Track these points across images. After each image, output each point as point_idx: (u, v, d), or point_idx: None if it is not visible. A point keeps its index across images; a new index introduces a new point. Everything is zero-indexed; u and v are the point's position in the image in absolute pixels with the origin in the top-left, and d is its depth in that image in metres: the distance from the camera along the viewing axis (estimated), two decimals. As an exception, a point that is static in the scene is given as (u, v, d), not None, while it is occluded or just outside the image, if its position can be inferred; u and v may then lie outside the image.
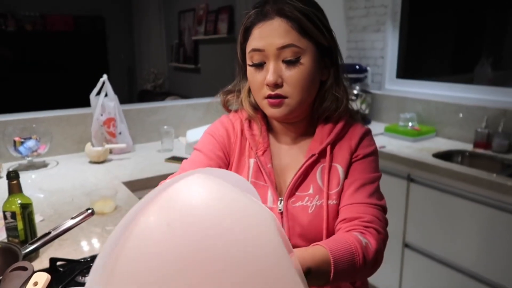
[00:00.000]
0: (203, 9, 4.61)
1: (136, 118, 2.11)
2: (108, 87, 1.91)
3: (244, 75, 0.87)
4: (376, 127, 2.40)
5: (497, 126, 2.02)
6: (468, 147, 2.09)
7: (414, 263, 1.94)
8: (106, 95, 1.92)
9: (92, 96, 1.91)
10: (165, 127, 1.99)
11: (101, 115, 1.89)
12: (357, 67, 2.59)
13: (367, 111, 2.58)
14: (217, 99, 0.94)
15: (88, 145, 1.81)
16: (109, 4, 5.99)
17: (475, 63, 2.41)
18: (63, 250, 1.03)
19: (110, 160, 1.83)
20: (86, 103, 1.95)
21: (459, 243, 1.73)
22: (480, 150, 2.04)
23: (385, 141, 2.18)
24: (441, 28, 2.65)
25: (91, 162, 1.80)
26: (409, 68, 2.65)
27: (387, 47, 2.61)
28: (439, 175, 1.77)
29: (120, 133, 1.93)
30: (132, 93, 6.20)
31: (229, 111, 0.93)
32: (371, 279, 2.13)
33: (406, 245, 1.96)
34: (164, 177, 1.70)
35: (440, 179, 1.78)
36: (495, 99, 2.09)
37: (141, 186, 1.59)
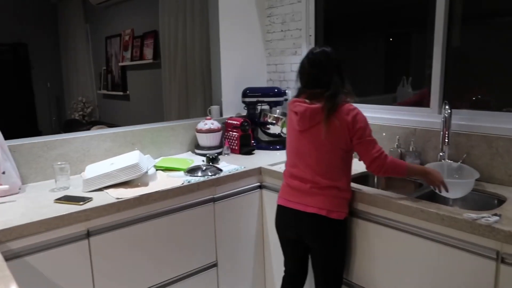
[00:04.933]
0: (129, 34, 4.45)
1: (28, 154, 1.89)
2: (-12, 122, 1.69)
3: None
4: (296, 151, 2.33)
5: (409, 145, 2.03)
6: (384, 167, 2.07)
7: None
8: (-14, 130, 1.69)
9: (-31, 132, 1.68)
10: (59, 162, 1.79)
11: (-21, 153, 1.66)
12: (276, 90, 2.54)
13: (288, 135, 2.52)
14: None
15: (-40, 189, 1.57)
16: (32, 30, 5.63)
17: (388, 84, 2.44)
18: None
19: (-10, 204, 1.60)
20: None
21: (376, 268, 1.67)
22: (394, 170, 2.03)
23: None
24: (356, 52, 2.69)
25: (-35, 208, 1.55)
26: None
27: (304, 69, 2.59)
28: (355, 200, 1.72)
29: (3, 173, 1.70)
30: (62, 123, 5.83)
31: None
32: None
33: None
34: (48, 221, 1.50)
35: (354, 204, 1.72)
36: (403, 118, 2.11)
37: (17, 235, 1.38)
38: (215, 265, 2.01)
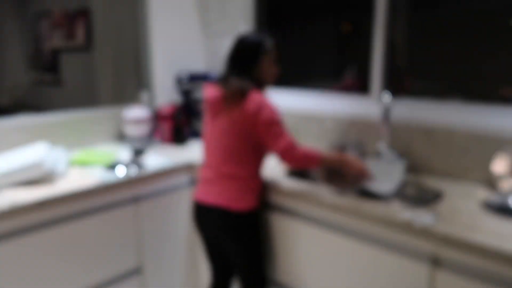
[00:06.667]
0: (60, 12, 4.04)
1: None
2: None
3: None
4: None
5: (349, 135, 1.92)
6: (324, 159, 1.95)
7: None
8: None
9: None
10: None
11: None
12: (215, 75, 2.34)
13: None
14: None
15: None
16: (-49, 5, 4.99)
17: (340, 71, 2.31)
18: None
19: None
20: None
21: (304, 269, 1.55)
22: (335, 163, 1.91)
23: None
24: (307, 36, 2.52)
25: None
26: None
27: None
28: (284, 196, 1.58)
29: None
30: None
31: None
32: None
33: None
34: None
35: (286, 200, 1.58)
36: (344, 107, 2.00)
37: None
38: (139, 271, 1.81)
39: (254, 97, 1.45)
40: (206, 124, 1.60)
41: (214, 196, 1.52)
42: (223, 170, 1.52)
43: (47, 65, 4.38)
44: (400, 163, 1.53)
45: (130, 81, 2.87)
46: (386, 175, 1.50)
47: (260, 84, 1.53)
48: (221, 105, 1.51)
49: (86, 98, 3.78)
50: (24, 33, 4.85)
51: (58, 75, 4.24)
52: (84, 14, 3.64)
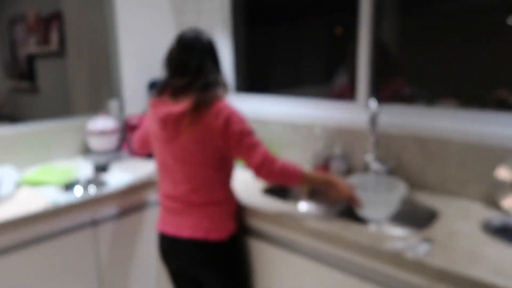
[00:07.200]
0: (34, 17, 3.84)
1: None
2: None
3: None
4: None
5: (335, 146, 1.75)
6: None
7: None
8: None
9: None
10: None
11: None
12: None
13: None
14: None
15: None
16: None
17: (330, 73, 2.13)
18: None
19: None
20: None
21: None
22: (319, 176, 1.73)
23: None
24: (294, 38, 2.34)
25: None
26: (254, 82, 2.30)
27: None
28: (260, 219, 1.39)
29: None
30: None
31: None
32: None
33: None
34: None
35: (262, 224, 1.39)
36: (330, 115, 1.82)
37: None
38: (102, 301, 1.61)
39: (218, 107, 1.25)
40: (158, 148, 1.36)
41: (188, 229, 1.31)
42: (192, 200, 1.31)
43: (23, 72, 4.17)
44: (400, 190, 1.31)
45: (105, 89, 2.69)
46: (382, 203, 1.30)
47: (222, 90, 1.31)
48: (178, 124, 1.26)
49: (60, 107, 3.58)
50: (3, 39, 4.65)
51: (34, 82, 4.03)
52: (57, 17, 3.45)
